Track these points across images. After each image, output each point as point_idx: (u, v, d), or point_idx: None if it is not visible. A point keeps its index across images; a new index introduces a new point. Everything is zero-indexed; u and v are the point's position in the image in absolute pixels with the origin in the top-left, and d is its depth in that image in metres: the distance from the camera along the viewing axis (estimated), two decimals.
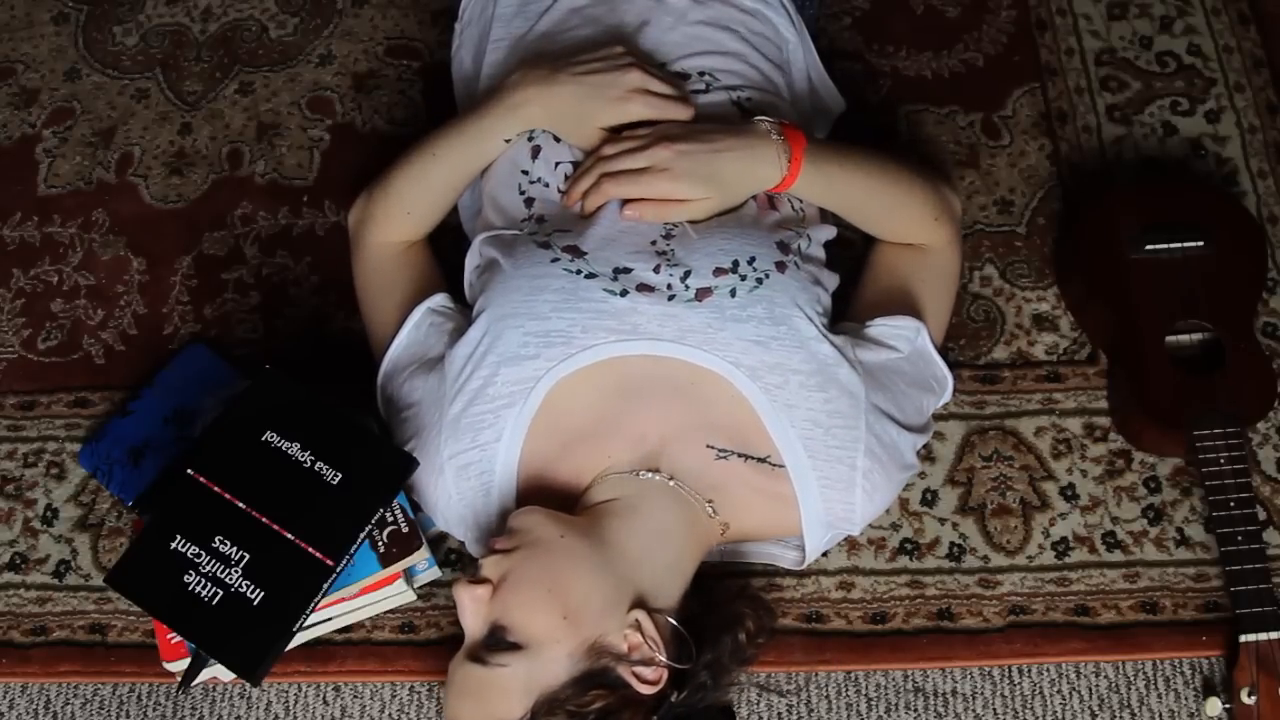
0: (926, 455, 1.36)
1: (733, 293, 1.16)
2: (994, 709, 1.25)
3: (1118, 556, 1.31)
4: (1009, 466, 1.36)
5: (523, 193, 1.28)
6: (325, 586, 1.17)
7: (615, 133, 1.25)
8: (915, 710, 1.25)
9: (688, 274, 1.17)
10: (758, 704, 1.26)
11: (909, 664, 1.26)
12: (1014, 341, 1.43)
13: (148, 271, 1.55)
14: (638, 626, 1.07)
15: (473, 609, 1.08)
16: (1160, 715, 1.23)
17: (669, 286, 1.17)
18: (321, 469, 1.20)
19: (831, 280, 1.26)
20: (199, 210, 1.59)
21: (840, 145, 1.30)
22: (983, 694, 1.25)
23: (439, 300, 1.30)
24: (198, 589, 1.16)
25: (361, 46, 1.70)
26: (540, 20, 1.38)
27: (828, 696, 1.26)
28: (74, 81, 1.71)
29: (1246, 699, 1.18)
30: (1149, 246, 1.38)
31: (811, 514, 1.18)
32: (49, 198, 1.62)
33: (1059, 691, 1.25)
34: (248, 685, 1.27)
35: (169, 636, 1.22)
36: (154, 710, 1.30)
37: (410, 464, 1.20)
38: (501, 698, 1.04)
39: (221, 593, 1.16)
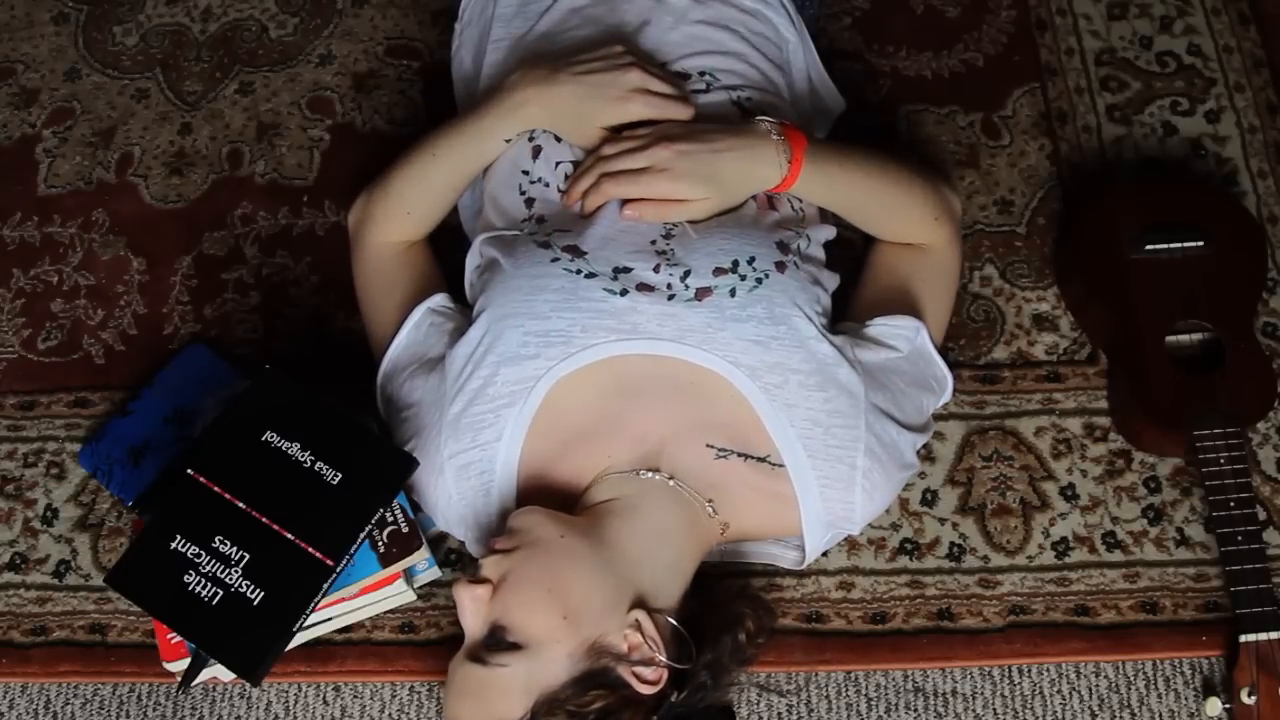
0: (926, 455, 1.36)
1: (732, 292, 1.16)
2: (994, 709, 1.25)
3: (1118, 556, 1.31)
4: (1009, 466, 1.36)
5: (523, 193, 1.28)
6: (325, 586, 1.17)
7: (616, 132, 1.25)
8: (915, 710, 1.25)
9: (687, 273, 1.17)
10: (758, 704, 1.26)
11: (909, 664, 1.26)
12: (1014, 341, 1.43)
13: (148, 271, 1.55)
14: (638, 626, 1.07)
15: (473, 609, 1.08)
16: (1160, 715, 1.23)
17: (669, 286, 1.17)
18: (321, 469, 1.20)
19: (831, 280, 1.26)
20: (199, 210, 1.59)
21: (840, 145, 1.30)
22: (983, 694, 1.25)
23: (439, 300, 1.30)
24: (198, 589, 1.16)
25: (361, 46, 1.70)
26: (540, 20, 1.38)
27: (828, 696, 1.26)
28: (74, 81, 1.71)
29: (1246, 699, 1.18)
30: (1149, 246, 1.38)
31: (811, 513, 1.18)
32: (49, 198, 1.62)
33: (1059, 691, 1.25)
34: (248, 685, 1.27)
35: (169, 636, 1.22)
36: (154, 710, 1.30)
37: (410, 464, 1.20)
38: (501, 698, 1.04)
39: (221, 593, 1.16)
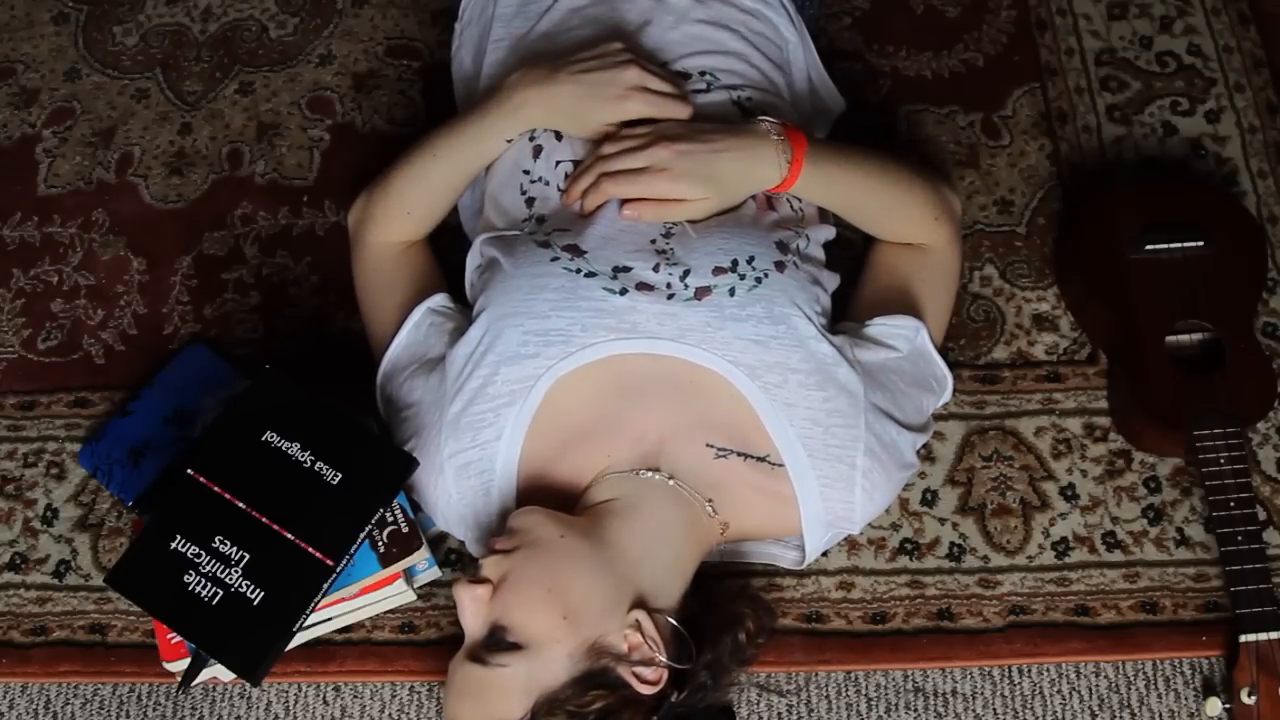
0: (926, 455, 1.36)
1: (731, 292, 1.16)
2: (994, 709, 1.25)
3: (1118, 556, 1.30)
4: (1009, 466, 1.36)
5: (524, 192, 1.28)
6: (325, 586, 1.17)
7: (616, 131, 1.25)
8: (915, 710, 1.25)
9: (687, 273, 1.17)
10: (758, 704, 1.26)
11: (909, 664, 1.26)
12: (1014, 341, 1.43)
13: (148, 271, 1.55)
14: (638, 626, 1.07)
15: (473, 609, 1.08)
16: (1160, 715, 1.23)
17: (668, 285, 1.17)
18: (321, 469, 1.20)
19: (831, 280, 1.26)
20: (199, 210, 1.59)
21: (840, 145, 1.30)
22: (983, 694, 1.25)
23: (439, 300, 1.30)
24: (198, 589, 1.16)
25: (361, 46, 1.70)
26: (540, 20, 1.38)
27: (828, 696, 1.26)
28: (74, 81, 1.71)
29: (1246, 699, 1.18)
30: (1149, 246, 1.38)
31: (811, 513, 1.18)
32: (49, 198, 1.62)
33: (1059, 691, 1.25)
34: (248, 685, 1.27)
35: (169, 636, 1.22)
36: (154, 710, 1.30)
37: (410, 464, 1.20)
38: (501, 698, 1.04)
39: (221, 593, 1.16)
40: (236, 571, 1.16)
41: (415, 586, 1.29)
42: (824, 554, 1.30)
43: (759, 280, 1.17)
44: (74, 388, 1.48)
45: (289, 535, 1.17)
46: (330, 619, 1.26)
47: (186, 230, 1.57)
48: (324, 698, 1.29)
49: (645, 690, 1.05)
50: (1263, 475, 1.34)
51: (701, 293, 1.16)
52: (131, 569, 1.19)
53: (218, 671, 1.23)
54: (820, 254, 1.28)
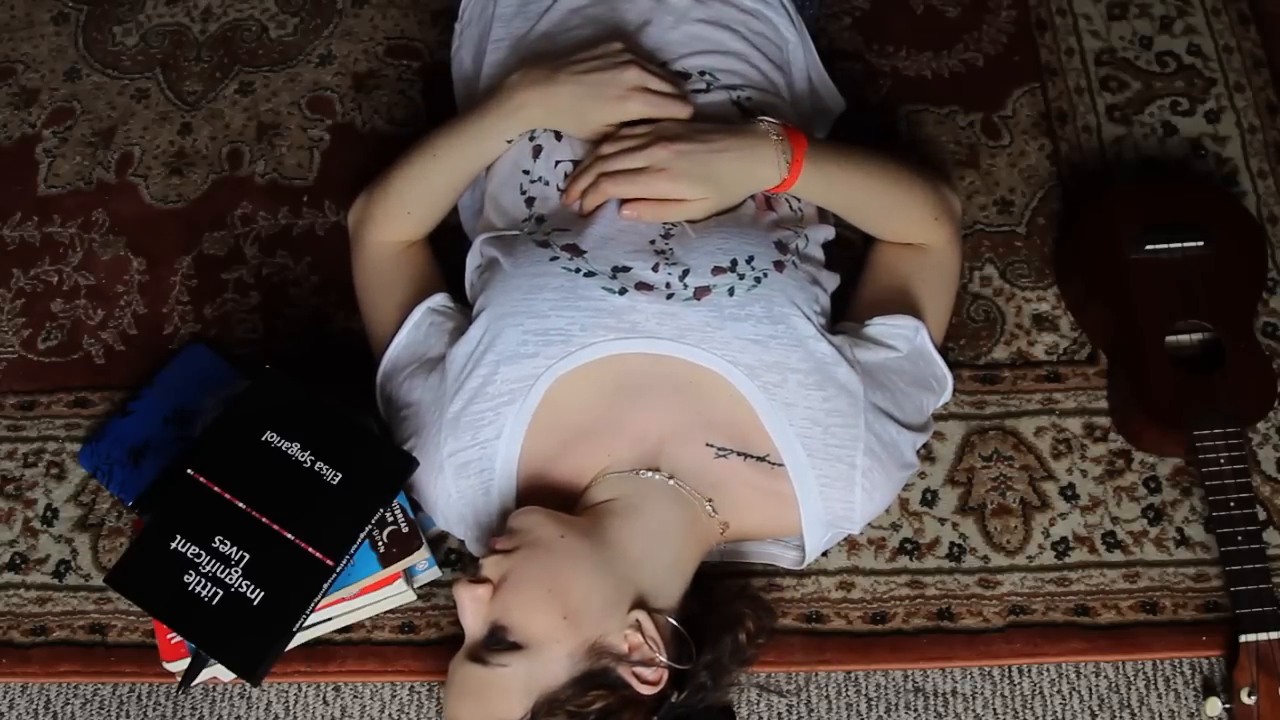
0: (926, 455, 1.36)
1: (731, 291, 1.16)
2: (994, 709, 1.25)
3: (1118, 556, 1.30)
4: (1009, 466, 1.36)
5: (524, 193, 1.28)
6: (325, 586, 1.17)
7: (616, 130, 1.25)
8: (915, 710, 1.25)
9: (686, 273, 1.17)
10: (758, 704, 1.26)
11: (909, 664, 1.26)
12: (1014, 341, 1.43)
13: (148, 271, 1.55)
14: (638, 627, 1.07)
15: (473, 609, 1.08)
16: (1160, 715, 1.23)
17: (667, 285, 1.17)
18: (321, 469, 1.20)
19: (831, 281, 1.26)
20: (199, 210, 1.59)
21: (840, 145, 1.30)
22: (983, 694, 1.25)
23: (439, 300, 1.30)
24: (198, 589, 1.16)
25: (361, 46, 1.70)
26: (540, 20, 1.38)
27: (828, 696, 1.26)
28: (74, 81, 1.71)
29: (1246, 699, 1.18)
30: (1149, 246, 1.38)
31: (811, 513, 1.18)
32: (49, 198, 1.62)
33: (1059, 691, 1.25)
34: (248, 685, 1.27)
35: (169, 636, 1.22)
36: (154, 710, 1.30)
37: (410, 464, 1.20)
38: (501, 698, 1.04)
39: (221, 593, 1.16)
40: (236, 571, 1.16)
41: (415, 586, 1.29)
42: (824, 554, 1.30)
43: (758, 280, 1.17)
44: (74, 388, 1.48)
45: (289, 535, 1.17)
46: (330, 619, 1.26)
47: (186, 230, 1.57)
48: (324, 698, 1.29)
49: (645, 690, 1.05)
50: (1263, 475, 1.34)
51: (701, 292, 1.16)
52: (131, 569, 1.19)
53: (218, 671, 1.23)
54: (819, 254, 1.28)
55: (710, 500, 1.17)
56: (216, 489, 1.19)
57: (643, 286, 1.17)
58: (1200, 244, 1.38)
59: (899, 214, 1.32)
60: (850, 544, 1.32)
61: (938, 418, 1.35)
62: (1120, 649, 1.26)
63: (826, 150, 1.26)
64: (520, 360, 1.16)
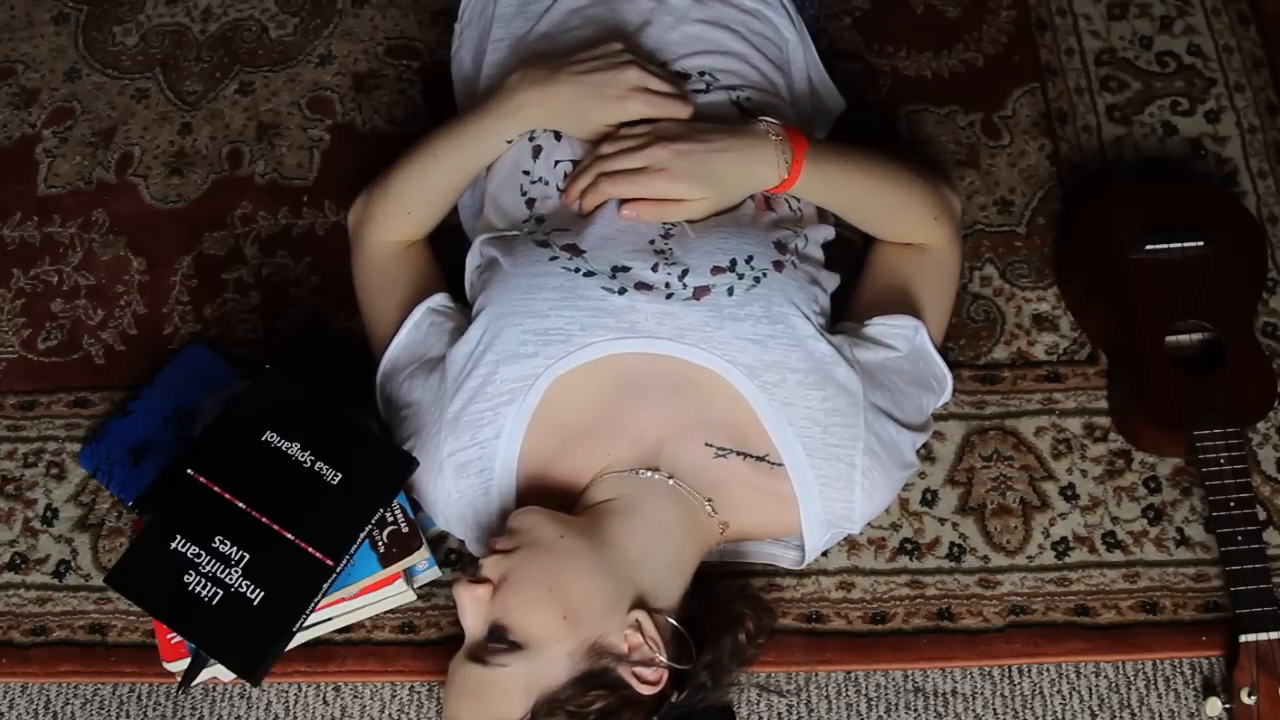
0: (926, 455, 1.36)
1: (730, 291, 1.16)
2: (994, 709, 1.25)
3: (1118, 556, 1.30)
4: (1009, 466, 1.36)
5: (524, 193, 1.28)
6: (325, 586, 1.17)
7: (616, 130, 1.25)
8: (915, 710, 1.25)
9: (685, 272, 1.17)
10: (758, 704, 1.26)
11: (909, 664, 1.26)
12: (1014, 341, 1.43)
13: (148, 271, 1.55)
14: (638, 627, 1.07)
15: (473, 609, 1.08)
16: (1160, 715, 1.23)
17: (667, 285, 1.17)
18: (321, 469, 1.20)
19: (830, 281, 1.26)
20: (199, 210, 1.59)
21: (840, 146, 1.30)
22: (983, 694, 1.25)
23: (439, 300, 1.30)
24: (198, 589, 1.16)
25: (361, 46, 1.70)
26: (540, 20, 1.38)
27: (828, 696, 1.26)
28: (74, 81, 1.71)
29: (1246, 699, 1.18)
30: (1149, 246, 1.38)
31: (811, 512, 1.18)
32: (49, 198, 1.62)
33: (1059, 691, 1.25)
34: (248, 685, 1.27)
35: (169, 636, 1.22)
36: (154, 710, 1.30)
37: (410, 464, 1.20)
38: (501, 698, 1.04)
39: (221, 593, 1.16)
40: (236, 571, 1.16)
41: (415, 586, 1.29)
42: (824, 554, 1.30)
43: (757, 280, 1.17)
44: (74, 388, 1.48)
45: (289, 535, 1.17)
46: (330, 619, 1.26)
47: (186, 230, 1.57)
48: (324, 698, 1.29)
49: (645, 690, 1.05)
50: (1263, 475, 1.34)
51: (700, 292, 1.16)
52: (131, 569, 1.19)
53: (218, 671, 1.23)
54: (819, 254, 1.28)
55: (710, 500, 1.17)
56: (216, 489, 1.19)
57: (642, 286, 1.17)
58: (1200, 244, 1.38)
59: (899, 214, 1.32)
60: (850, 544, 1.32)
61: (938, 418, 1.35)
62: (1120, 649, 1.26)
63: (826, 150, 1.26)
64: (520, 360, 1.16)
